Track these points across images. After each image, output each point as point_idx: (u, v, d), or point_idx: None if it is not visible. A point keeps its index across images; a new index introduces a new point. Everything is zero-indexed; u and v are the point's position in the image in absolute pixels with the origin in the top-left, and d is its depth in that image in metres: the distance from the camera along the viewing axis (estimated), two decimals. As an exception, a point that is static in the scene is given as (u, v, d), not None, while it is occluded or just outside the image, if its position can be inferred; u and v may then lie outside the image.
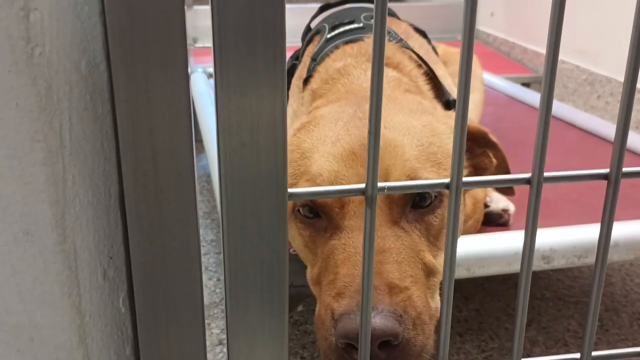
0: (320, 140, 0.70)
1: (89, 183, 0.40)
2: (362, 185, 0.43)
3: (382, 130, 0.68)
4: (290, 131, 0.76)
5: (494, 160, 0.79)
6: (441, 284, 0.47)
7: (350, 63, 0.90)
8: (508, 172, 0.79)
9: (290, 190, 0.43)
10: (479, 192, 0.89)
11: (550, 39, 0.42)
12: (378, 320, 0.56)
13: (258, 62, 0.40)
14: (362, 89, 0.84)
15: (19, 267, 0.40)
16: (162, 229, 0.43)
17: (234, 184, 0.42)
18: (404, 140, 0.68)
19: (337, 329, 0.58)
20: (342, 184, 0.66)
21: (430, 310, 0.63)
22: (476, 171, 0.79)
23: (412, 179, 0.66)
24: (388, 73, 0.88)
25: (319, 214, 0.67)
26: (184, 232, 0.43)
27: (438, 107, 0.82)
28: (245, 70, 0.40)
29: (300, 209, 0.68)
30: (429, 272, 0.67)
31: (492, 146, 0.78)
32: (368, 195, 0.43)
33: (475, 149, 0.77)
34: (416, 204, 0.67)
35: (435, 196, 0.67)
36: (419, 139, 0.69)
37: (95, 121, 0.40)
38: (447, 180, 0.45)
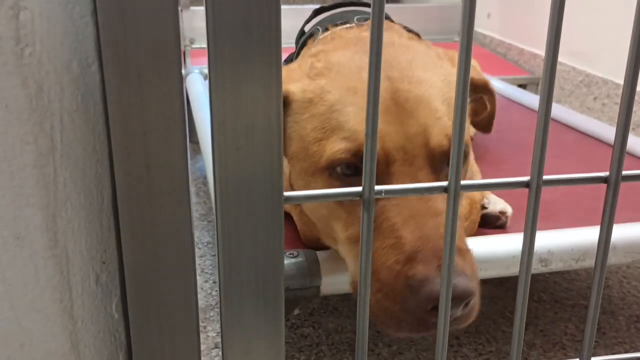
0: (350, 91, 0.68)
1: (80, 186, 0.40)
2: (359, 189, 0.43)
3: (408, 86, 0.68)
4: (294, 74, 0.73)
5: (488, 106, 0.82)
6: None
7: (339, 30, 0.88)
8: (493, 117, 0.84)
9: (286, 193, 0.43)
10: (475, 193, 0.88)
11: (548, 53, 0.42)
12: (465, 282, 0.58)
13: (253, 65, 0.40)
14: (366, 37, 0.80)
15: (9, 273, 0.39)
16: (156, 233, 0.42)
17: (229, 188, 0.42)
18: (433, 96, 0.68)
19: (425, 292, 0.58)
20: (384, 142, 0.65)
21: (470, 253, 0.65)
22: (471, 111, 0.81)
23: (448, 137, 0.66)
24: (393, 25, 0.86)
25: (358, 171, 0.66)
26: (178, 237, 0.43)
27: (444, 58, 0.80)
28: (240, 72, 0.39)
29: (339, 168, 0.67)
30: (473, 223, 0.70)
31: (490, 93, 0.81)
32: (365, 198, 0.43)
33: (473, 93, 0.79)
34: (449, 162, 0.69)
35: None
36: (443, 95, 0.70)
37: (87, 123, 0.39)
38: (445, 183, 0.44)
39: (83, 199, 0.40)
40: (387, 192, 0.44)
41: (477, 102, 0.81)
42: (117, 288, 0.44)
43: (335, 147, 0.66)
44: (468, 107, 0.74)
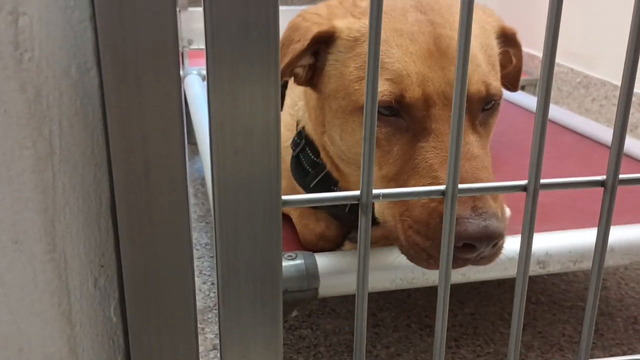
0: (396, 32, 0.68)
1: (79, 190, 0.40)
2: (357, 193, 0.43)
3: (450, 32, 0.69)
4: (337, 10, 0.73)
5: (514, 60, 0.82)
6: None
7: None
8: (519, 72, 0.84)
9: (284, 197, 0.43)
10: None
11: (545, 61, 0.42)
12: (496, 224, 0.62)
13: (252, 67, 0.40)
14: None
15: (7, 277, 0.39)
16: (154, 237, 0.42)
17: (228, 190, 0.42)
18: (473, 44, 0.70)
19: (459, 230, 0.61)
20: (429, 86, 0.66)
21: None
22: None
23: (486, 84, 0.69)
24: None
25: (397, 114, 0.68)
26: (176, 240, 0.43)
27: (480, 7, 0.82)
28: (239, 75, 0.40)
29: (378, 108, 0.68)
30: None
31: (517, 46, 0.80)
32: (363, 202, 0.43)
33: (502, 44, 0.79)
34: (483, 107, 0.70)
35: (495, 102, 0.71)
36: (481, 42, 0.71)
37: (85, 127, 0.39)
38: (442, 187, 0.44)
39: (81, 203, 0.40)
40: (384, 195, 0.44)
41: (503, 55, 0.80)
42: (115, 291, 0.44)
43: (381, 87, 0.67)
44: (497, 58, 0.75)
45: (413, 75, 0.67)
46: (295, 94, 0.96)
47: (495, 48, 0.75)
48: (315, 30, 0.70)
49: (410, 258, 0.67)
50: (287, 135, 0.88)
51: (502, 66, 0.80)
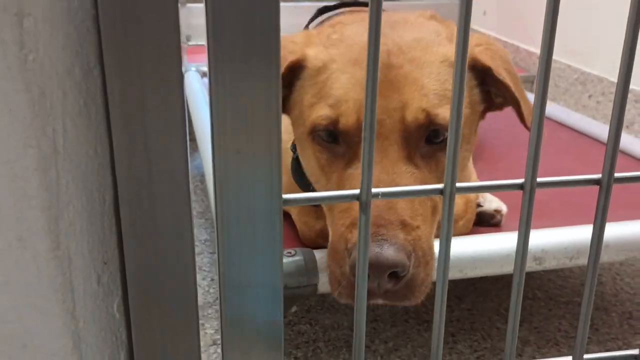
0: (350, 62, 0.69)
1: (82, 189, 0.40)
2: (357, 191, 0.44)
3: (402, 62, 0.69)
4: (313, 39, 0.74)
5: (497, 100, 0.78)
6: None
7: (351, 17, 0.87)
8: (518, 106, 0.77)
9: (285, 196, 0.43)
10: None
11: (542, 61, 0.42)
12: (392, 252, 0.59)
13: (253, 67, 0.40)
14: (387, 12, 0.81)
15: (11, 274, 0.39)
16: (157, 235, 0.43)
17: (229, 189, 0.42)
18: (422, 74, 0.69)
19: (352, 255, 0.60)
20: (362, 113, 0.65)
21: (433, 250, 0.66)
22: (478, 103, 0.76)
23: (428, 113, 0.67)
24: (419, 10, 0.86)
25: (337, 139, 0.68)
26: (179, 238, 0.43)
27: (447, 39, 0.79)
28: (240, 75, 0.40)
29: (320, 133, 0.68)
30: (435, 209, 0.68)
31: (495, 84, 0.74)
32: (362, 201, 0.43)
33: (476, 81, 0.75)
34: (429, 140, 0.68)
35: (445, 136, 0.68)
36: (437, 74, 0.69)
37: (89, 126, 0.40)
38: (441, 185, 0.45)
39: (85, 201, 0.40)
40: (384, 194, 0.45)
41: (484, 94, 0.76)
42: (118, 288, 0.44)
43: (319, 112, 0.68)
44: (473, 93, 0.73)
45: (350, 102, 0.67)
46: None
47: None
48: (289, 59, 0.71)
49: (329, 285, 0.67)
50: (286, 137, 0.89)
51: (491, 101, 0.76)
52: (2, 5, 0.34)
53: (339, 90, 0.68)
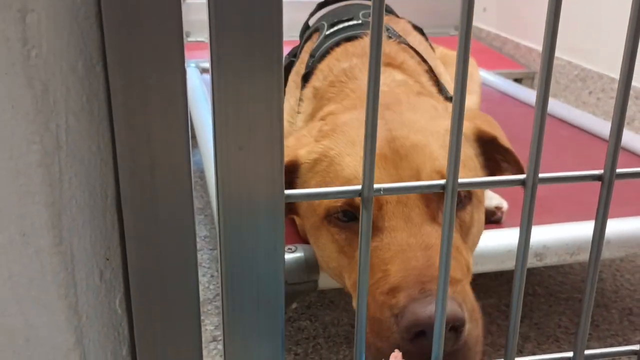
0: (349, 144, 0.71)
1: (85, 184, 0.40)
2: (359, 187, 0.44)
3: (407, 133, 0.70)
4: (303, 139, 0.77)
5: (503, 166, 0.79)
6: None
7: (357, 65, 0.90)
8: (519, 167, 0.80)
9: (286, 191, 0.43)
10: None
11: (544, 58, 0.42)
12: (447, 305, 0.55)
13: (255, 63, 0.40)
14: (397, 95, 0.83)
15: (15, 269, 0.39)
16: (159, 230, 0.43)
17: (231, 186, 0.42)
18: (431, 141, 0.70)
19: (406, 317, 0.56)
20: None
21: (478, 308, 0.63)
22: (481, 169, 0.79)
23: (443, 175, 0.67)
24: (395, 76, 0.88)
25: (354, 217, 0.68)
26: (180, 234, 0.43)
27: (449, 110, 0.82)
28: (242, 72, 0.40)
29: (336, 215, 0.69)
30: (468, 269, 0.68)
31: (501, 151, 0.78)
32: (365, 196, 0.44)
33: (481, 151, 0.78)
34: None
35: (465, 195, 0.69)
36: (444, 141, 0.71)
37: (91, 122, 0.40)
38: (442, 181, 0.45)
39: (87, 197, 0.40)
40: (385, 190, 0.45)
41: (492, 162, 0.79)
42: (120, 284, 0.45)
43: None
44: (476, 161, 0.75)
45: (360, 176, 0.67)
46: (292, 102, 0.97)
47: (468, 150, 0.74)
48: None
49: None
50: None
51: (494, 169, 0.79)
52: (5, 2, 0.34)
53: (346, 170, 0.69)
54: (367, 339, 0.60)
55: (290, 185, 0.75)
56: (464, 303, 0.60)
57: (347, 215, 0.68)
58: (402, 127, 0.71)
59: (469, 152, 0.74)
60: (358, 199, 0.65)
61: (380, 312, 0.60)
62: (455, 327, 0.57)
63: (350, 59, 0.91)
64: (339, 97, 0.87)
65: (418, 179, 0.67)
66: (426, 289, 0.58)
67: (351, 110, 0.79)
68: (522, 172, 0.75)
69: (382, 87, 0.86)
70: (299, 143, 0.77)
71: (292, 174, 0.75)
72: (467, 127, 0.75)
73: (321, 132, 0.76)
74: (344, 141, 0.71)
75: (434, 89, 0.92)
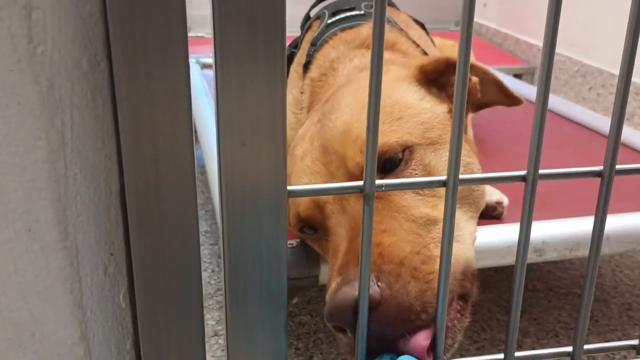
0: (294, 160, 0.71)
1: (90, 180, 0.41)
2: (360, 183, 0.44)
3: (333, 122, 0.68)
4: None
5: (477, 87, 0.76)
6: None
7: (342, 52, 0.90)
8: (502, 88, 0.80)
9: (289, 187, 0.44)
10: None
11: (544, 54, 0.43)
12: (340, 296, 0.52)
13: (258, 61, 0.40)
14: (343, 83, 0.82)
15: (20, 264, 0.40)
16: (163, 226, 0.43)
17: (234, 182, 0.43)
18: (352, 119, 0.67)
19: (326, 317, 0.55)
20: (312, 198, 0.66)
21: (424, 255, 0.57)
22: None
23: (362, 150, 0.63)
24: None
25: (315, 229, 0.69)
26: (184, 229, 0.44)
27: (392, 66, 0.77)
28: (246, 68, 0.40)
29: (303, 229, 0.70)
30: (426, 223, 0.62)
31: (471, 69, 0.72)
32: (366, 192, 0.44)
33: (448, 77, 0.74)
34: (387, 169, 0.65)
35: (404, 152, 0.65)
36: (364, 107, 0.65)
37: (96, 118, 0.40)
38: (444, 177, 0.45)
39: (92, 192, 0.41)
40: (387, 186, 0.45)
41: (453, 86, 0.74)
42: (124, 279, 0.45)
43: (291, 215, 0.70)
44: (427, 100, 0.71)
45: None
46: (295, 93, 0.97)
47: (408, 96, 0.71)
48: None
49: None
50: (291, 134, 0.89)
51: (469, 96, 0.75)
52: (11, -1, 0.34)
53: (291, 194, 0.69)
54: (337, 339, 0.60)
55: None
56: (380, 271, 0.55)
57: (311, 228, 0.69)
58: (331, 115, 0.69)
59: (410, 97, 0.71)
60: (302, 212, 0.67)
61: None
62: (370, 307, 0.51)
63: (339, 47, 0.91)
64: (322, 95, 0.87)
65: (345, 165, 0.65)
66: (333, 287, 0.56)
67: (310, 117, 0.79)
68: (505, 90, 0.78)
69: (354, 72, 0.85)
70: None
71: None
72: (404, 74, 0.72)
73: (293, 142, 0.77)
74: (292, 157, 0.72)
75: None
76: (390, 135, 0.65)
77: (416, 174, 0.65)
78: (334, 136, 0.67)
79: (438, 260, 0.49)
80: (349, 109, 0.69)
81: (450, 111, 0.73)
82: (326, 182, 0.66)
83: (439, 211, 0.63)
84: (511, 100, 0.86)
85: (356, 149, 0.64)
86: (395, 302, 0.53)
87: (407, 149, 0.65)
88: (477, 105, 0.83)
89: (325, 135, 0.68)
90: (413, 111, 0.69)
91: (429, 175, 0.65)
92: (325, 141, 0.67)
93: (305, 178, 0.68)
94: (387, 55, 0.88)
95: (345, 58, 0.89)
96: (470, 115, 0.97)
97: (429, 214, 0.63)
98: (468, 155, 0.71)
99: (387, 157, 0.64)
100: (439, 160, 0.67)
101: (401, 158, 0.65)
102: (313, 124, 0.73)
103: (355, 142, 0.65)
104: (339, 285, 0.55)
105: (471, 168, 0.71)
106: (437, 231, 0.62)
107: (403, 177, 0.64)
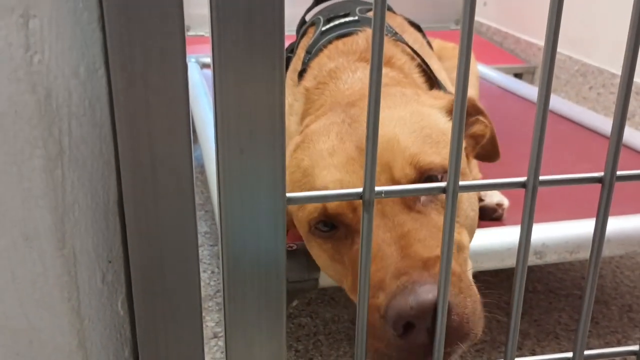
0: (319, 155, 0.70)
1: (88, 188, 0.40)
2: (360, 190, 0.44)
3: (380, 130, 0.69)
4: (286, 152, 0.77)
5: (488, 125, 0.82)
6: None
7: (342, 64, 0.90)
8: (495, 139, 0.84)
9: (288, 194, 0.43)
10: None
11: (546, 55, 0.42)
12: (424, 294, 0.55)
13: (256, 65, 0.40)
14: (346, 95, 0.84)
15: (18, 272, 0.40)
16: (161, 233, 0.43)
17: (233, 188, 0.42)
18: (397, 131, 0.69)
19: (389, 315, 0.56)
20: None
21: (468, 277, 0.62)
22: (474, 140, 0.81)
23: (414, 165, 0.67)
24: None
25: (335, 225, 0.68)
26: (182, 236, 0.43)
27: (421, 93, 0.82)
28: (244, 73, 0.40)
29: (317, 226, 0.69)
30: (456, 248, 0.66)
31: (482, 113, 0.80)
32: (366, 199, 0.44)
33: (468, 118, 0.79)
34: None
35: (442, 176, 0.68)
36: (410, 127, 0.70)
37: (94, 126, 0.40)
38: (443, 184, 0.45)
39: (90, 200, 0.41)
40: (387, 192, 0.45)
41: (473, 125, 0.81)
42: (122, 286, 0.45)
43: (307, 209, 0.69)
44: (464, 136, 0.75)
45: (330, 185, 0.67)
46: (289, 100, 0.97)
47: (442, 124, 0.74)
48: None
49: None
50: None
51: (481, 135, 0.82)
52: (7, 7, 0.34)
53: (318, 182, 0.68)
54: (370, 347, 0.59)
55: None
56: (455, 290, 0.59)
57: (327, 224, 0.68)
58: (362, 120, 0.70)
59: (442, 127, 0.74)
60: (330, 208, 0.67)
61: (371, 316, 0.59)
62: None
63: (337, 58, 0.92)
64: (319, 102, 0.87)
65: (390, 174, 0.66)
66: (403, 283, 0.57)
67: (320, 116, 0.79)
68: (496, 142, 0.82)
69: (358, 83, 0.86)
70: None
71: None
72: (435, 104, 0.76)
73: (296, 145, 0.76)
74: (314, 151, 0.71)
75: (423, 84, 0.93)
76: (434, 157, 0.68)
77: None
78: (379, 145, 0.67)
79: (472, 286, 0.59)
80: (388, 120, 0.70)
81: (466, 148, 0.79)
82: (361, 182, 0.65)
83: (462, 237, 0.69)
84: (496, 155, 0.91)
85: (405, 160, 0.67)
86: (457, 312, 0.58)
87: (445, 174, 0.67)
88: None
89: (361, 138, 0.69)
90: (447, 139, 0.71)
91: (460, 201, 0.68)
92: (362, 144, 0.68)
93: (338, 174, 0.68)
94: (389, 72, 0.88)
95: (347, 69, 0.89)
96: (474, 161, 0.98)
97: (458, 240, 0.67)
98: (472, 207, 0.73)
99: (429, 176, 0.67)
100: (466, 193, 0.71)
101: (441, 179, 0.67)
102: (336, 123, 0.73)
103: (404, 153, 0.67)
104: (410, 285, 0.56)
105: (473, 219, 0.73)
106: (463, 257, 0.68)
107: (438, 200, 0.68)
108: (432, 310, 0.53)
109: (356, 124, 0.71)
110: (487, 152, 0.89)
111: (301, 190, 0.70)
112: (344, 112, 0.75)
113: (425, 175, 0.67)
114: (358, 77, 0.87)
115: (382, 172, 0.66)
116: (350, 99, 0.80)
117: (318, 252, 0.72)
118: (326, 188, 0.67)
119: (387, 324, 0.57)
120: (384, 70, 0.89)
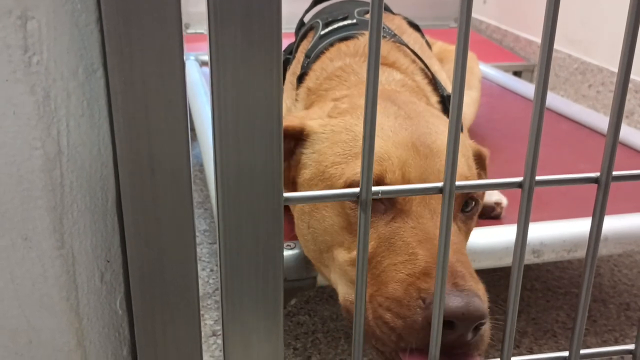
0: (378, 127, 0.70)
1: (86, 188, 0.41)
2: (357, 190, 0.44)
3: (429, 136, 0.71)
4: (313, 114, 0.77)
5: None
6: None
7: (351, 63, 0.90)
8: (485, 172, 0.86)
9: (286, 194, 0.44)
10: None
11: (543, 54, 0.43)
12: (477, 302, 0.58)
13: (254, 65, 0.40)
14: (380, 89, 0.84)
15: (17, 272, 0.40)
16: (159, 233, 0.43)
17: (231, 188, 0.43)
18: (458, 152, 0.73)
19: (438, 306, 0.57)
20: (409, 172, 0.67)
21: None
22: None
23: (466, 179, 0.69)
24: (394, 75, 0.89)
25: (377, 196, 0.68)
26: (180, 236, 0.44)
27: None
28: (242, 71, 0.40)
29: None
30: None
31: (484, 168, 0.83)
32: (362, 199, 0.44)
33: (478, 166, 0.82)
34: (462, 209, 0.71)
35: (474, 204, 0.71)
36: (464, 154, 0.74)
37: (92, 127, 0.40)
38: (440, 184, 0.45)
39: (88, 200, 0.41)
40: (383, 192, 0.45)
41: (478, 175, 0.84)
42: (120, 285, 0.45)
43: (357, 169, 0.68)
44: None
45: (394, 159, 0.67)
46: (288, 103, 0.97)
47: (473, 164, 0.78)
48: (284, 124, 0.73)
49: (376, 340, 0.62)
50: None
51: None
52: (6, 9, 0.34)
53: (378, 148, 0.68)
54: (378, 317, 0.61)
55: (291, 153, 0.76)
56: (485, 301, 0.63)
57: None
58: (427, 128, 0.71)
59: (474, 166, 0.78)
60: (390, 178, 0.67)
61: (406, 293, 0.61)
62: (481, 323, 0.59)
63: (343, 59, 0.92)
64: (344, 86, 0.87)
65: (439, 179, 0.68)
66: (458, 284, 0.59)
67: (358, 97, 0.79)
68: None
69: (385, 86, 0.86)
70: (307, 116, 0.77)
71: (296, 142, 0.75)
72: (470, 144, 0.80)
73: (337, 109, 0.75)
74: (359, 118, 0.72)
75: (428, 88, 0.93)
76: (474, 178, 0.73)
77: (472, 227, 0.74)
78: (434, 149, 0.69)
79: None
80: (444, 136, 0.72)
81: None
82: (422, 174, 0.68)
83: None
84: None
85: (460, 177, 0.67)
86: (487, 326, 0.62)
87: (477, 204, 0.72)
88: None
89: (421, 139, 0.70)
90: (474, 175, 0.76)
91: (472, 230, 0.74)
92: (423, 145, 0.69)
93: (398, 152, 0.68)
94: (396, 75, 0.89)
95: (362, 67, 0.89)
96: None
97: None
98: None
99: (468, 199, 0.71)
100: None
101: (473, 206, 0.72)
102: (394, 110, 0.73)
103: (463, 168, 0.71)
104: (467, 292, 0.58)
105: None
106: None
107: (469, 223, 0.72)
108: (477, 321, 0.58)
109: (415, 121, 0.72)
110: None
111: (343, 150, 0.71)
112: (397, 105, 0.75)
113: (469, 197, 0.71)
114: (383, 80, 0.88)
115: (437, 173, 0.68)
116: (399, 98, 0.79)
117: (334, 214, 0.70)
118: (388, 159, 0.67)
119: (428, 310, 0.58)
120: (392, 73, 0.89)
